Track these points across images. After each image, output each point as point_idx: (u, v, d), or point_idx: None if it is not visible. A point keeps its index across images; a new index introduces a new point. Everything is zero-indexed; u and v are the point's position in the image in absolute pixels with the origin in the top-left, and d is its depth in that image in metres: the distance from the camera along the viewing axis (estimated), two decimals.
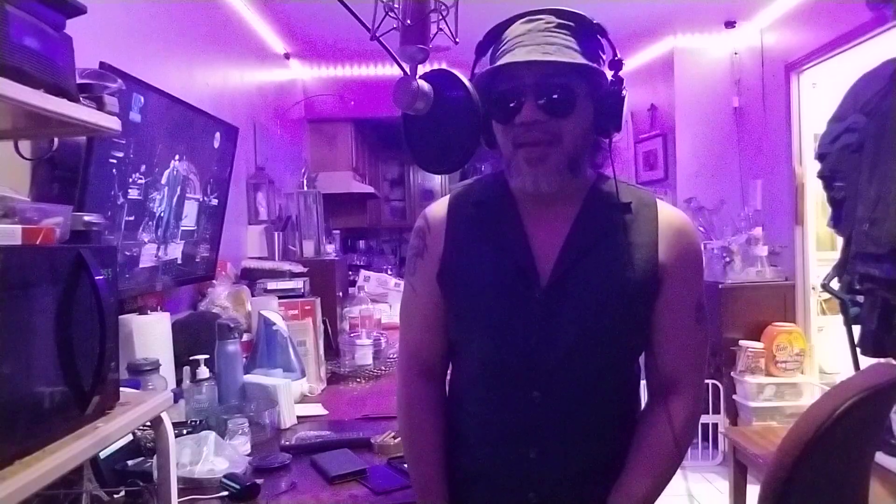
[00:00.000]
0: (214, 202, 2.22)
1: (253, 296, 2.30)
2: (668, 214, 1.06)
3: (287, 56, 4.10)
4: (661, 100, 4.36)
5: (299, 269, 2.64)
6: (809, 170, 3.40)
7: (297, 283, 2.46)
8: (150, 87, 1.66)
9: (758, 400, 3.35)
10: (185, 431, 1.47)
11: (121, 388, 1.01)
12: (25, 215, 0.93)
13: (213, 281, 2.29)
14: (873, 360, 2.30)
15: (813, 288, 3.47)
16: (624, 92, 1.01)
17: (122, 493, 1.22)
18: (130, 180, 1.62)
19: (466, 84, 0.92)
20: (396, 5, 0.88)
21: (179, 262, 1.99)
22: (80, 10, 0.98)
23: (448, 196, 1.15)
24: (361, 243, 6.40)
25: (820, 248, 3.58)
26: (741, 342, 3.45)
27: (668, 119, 4.27)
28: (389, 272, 4.16)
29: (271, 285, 2.40)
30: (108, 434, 0.91)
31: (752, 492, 2.13)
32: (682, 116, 4.17)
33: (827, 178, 2.74)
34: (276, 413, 1.73)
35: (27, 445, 0.78)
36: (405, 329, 1.17)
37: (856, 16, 2.84)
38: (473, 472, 1.08)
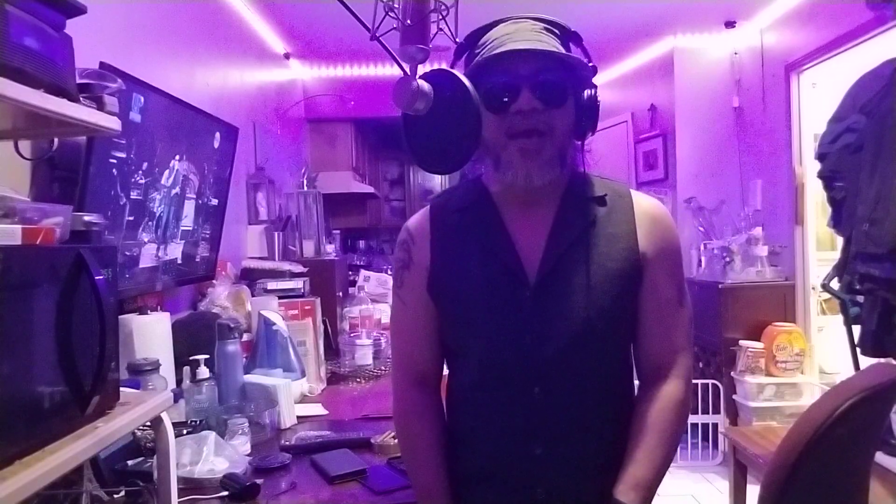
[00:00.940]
0: (214, 202, 2.22)
1: (253, 296, 2.30)
2: (643, 203, 1.10)
3: (287, 56, 4.10)
4: (661, 100, 4.36)
5: (299, 269, 2.64)
6: (809, 170, 3.39)
7: (297, 283, 2.46)
8: (150, 87, 1.66)
9: (758, 400, 3.35)
10: (185, 431, 1.47)
11: (121, 388, 1.01)
12: (25, 215, 0.93)
13: (213, 281, 2.29)
14: (873, 360, 2.30)
15: (813, 288, 3.47)
16: (599, 97, 1.05)
17: (122, 493, 1.23)
18: (131, 180, 1.62)
19: (467, 84, 0.92)
20: (396, 5, 0.88)
21: (179, 262, 1.99)
22: (80, 10, 0.98)
23: (427, 207, 1.17)
24: (361, 243, 6.40)
25: (820, 248, 3.58)
26: (741, 342, 3.45)
27: (668, 119, 4.27)
28: (389, 272, 4.15)
29: (271, 285, 2.40)
30: (108, 434, 0.91)
31: (752, 492, 2.13)
32: (682, 116, 4.17)
33: (827, 178, 2.74)
34: (276, 413, 1.73)
35: (27, 445, 0.78)
36: (397, 340, 1.19)
37: (856, 16, 2.84)
38: (480, 473, 1.08)
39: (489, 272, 1.05)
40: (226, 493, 1.29)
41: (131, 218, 1.65)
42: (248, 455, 1.49)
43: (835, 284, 2.72)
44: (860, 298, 2.58)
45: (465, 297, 1.07)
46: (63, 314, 0.85)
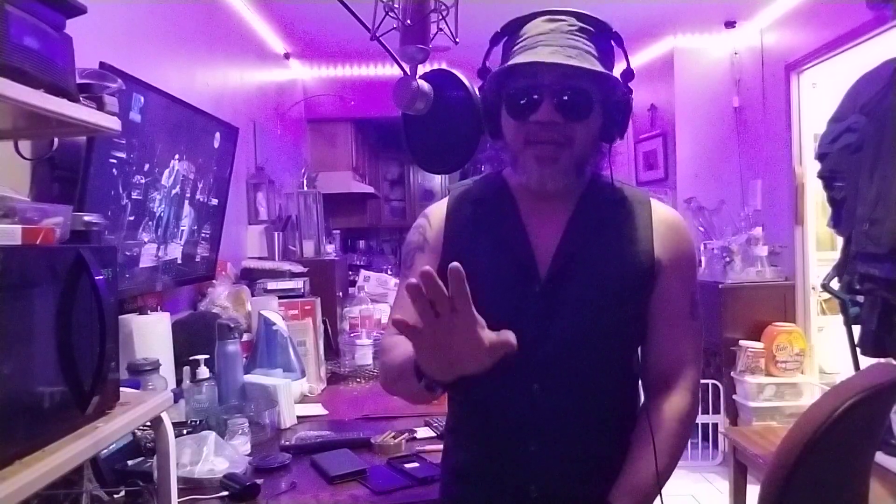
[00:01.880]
0: (214, 202, 2.22)
1: (253, 296, 2.30)
2: (662, 211, 1.09)
3: (287, 56, 4.10)
4: (661, 100, 4.36)
5: (299, 269, 2.64)
6: (809, 170, 3.39)
7: (297, 283, 2.46)
8: (150, 87, 1.66)
9: (758, 400, 3.35)
10: (185, 431, 1.48)
11: (121, 388, 1.01)
12: (25, 215, 0.93)
13: (213, 281, 2.29)
14: (873, 360, 2.30)
15: (813, 288, 3.47)
16: (632, 101, 1.03)
17: (122, 493, 1.23)
18: (131, 180, 1.62)
19: (466, 84, 0.92)
20: (396, 5, 0.88)
21: (179, 262, 1.99)
22: (80, 10, 0.98)
23: (448, 196, 1.16)
24: (361, 243, 6.40)
25: (820, 248, 3.58)
26: (741, 342, 3.45)
27: (668, 119, 4.27)
28: (389, 272, 4.16)
29: (271, 285, 2.40)
30: (108, 434, 0.91)
31: (752, 492, 2.13)
32: (682, 116, 4.17)
33: (827, 178, 2.74)
34: (276, 413, 1.73)
35: (27, 445, 0.78)
36: (394, 313, 1.12)
37: (856, 16, 2.84)
38: (474, 467, 1.08)
39: (500, 264, 1.05)
40: (226, 493, 1.29)
41: (131, 218, 1.65)
42: (248, 455, 1.49)
43: (835, 284, 2.72)
44: (860, 298, 2.58)
45: (473, 286, 1.06)
46: (63, 314, 0.85)
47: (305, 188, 3.16)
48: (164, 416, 1.10)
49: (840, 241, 2.72)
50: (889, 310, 2.36)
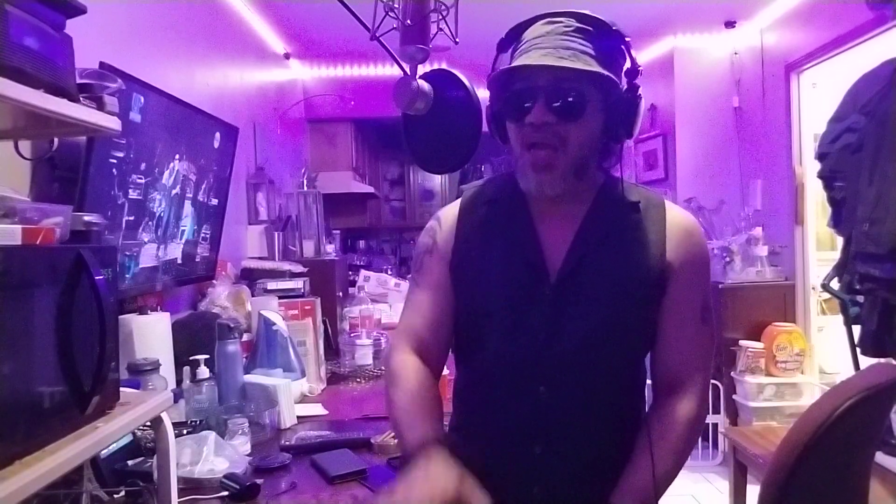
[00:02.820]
0: (214, 202, 2.22)
1: (253, 296, 2.30)
2: (677, 215, 1.08)
3: (287, 56, 4.10)
4: (661, 100, 4.36)
5: (299, 269, 2.64)
6: (809, 170, 3.39)
7: (297, 283, 2.46)
8: (150, 87, 1.66)
9: (758, 400, 3.35)
10: (185, 431, 1.47)
11: (121, 388, 1.01)
12: (25, 215, 0.93)
13: (213, 281, 2.29)
14: (873, 360, 2.30)
15: (813, 288, 3.47)
16: (640, 99, 1.01)
17: (122, 493, 1.23)
18: (130, 180, 1.62)
19: (466, 84, 0.93)
20: (396, 5, 0.88)
21: (179, 261, 1.99)
22: (80, 10, 0.98)
23: (460, 198, 1.16)
24: (361, 243, 6.40)
25: (820, 248, 3.58)
26: (741, 342, 3.45)
27: (668, 119, 4.27)
28: (389, 272, 4.16)
29: (271, 285, 2.40)
30: (108, 434, 0.91)
31: (752, 492, 2.13)
32: (682, 116, 4.17)
33: (827, 178, 2.74)
34: (276, 413, 1.73)
35: (27, 445, 0.78)
36: (404, 314, 1.16)
37: (856, 16, 2.84)
38: (479, 467, 1.08)
39: (511, 265, 1.05)
40: (226, 493, 1.29)
41: (131, 218, 1.65)
42: (248, 455, 1.49)
43: (835, 284, 2.72)
44: (860, 298, 2.58)
45: (484, 288, 1.06)
46: (63, 314, 0.85)
47: (305, 188, 3.16)
48: (164, 416, 1.10)
49: (840, 241, 2.72)
50: (889, 310, 2.36)
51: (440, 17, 0.90)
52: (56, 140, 1.16)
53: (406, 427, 1.02)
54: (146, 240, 1.75)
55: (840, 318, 2.79)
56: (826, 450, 1.33)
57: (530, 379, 1.02)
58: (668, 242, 1.04)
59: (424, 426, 1.00)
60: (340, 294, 2.93)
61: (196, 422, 1.56)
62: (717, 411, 3.52)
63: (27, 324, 0.79)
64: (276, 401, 1.74)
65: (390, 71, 4.22)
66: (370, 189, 5.30)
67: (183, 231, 1.99)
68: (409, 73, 0.92)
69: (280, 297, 2.30)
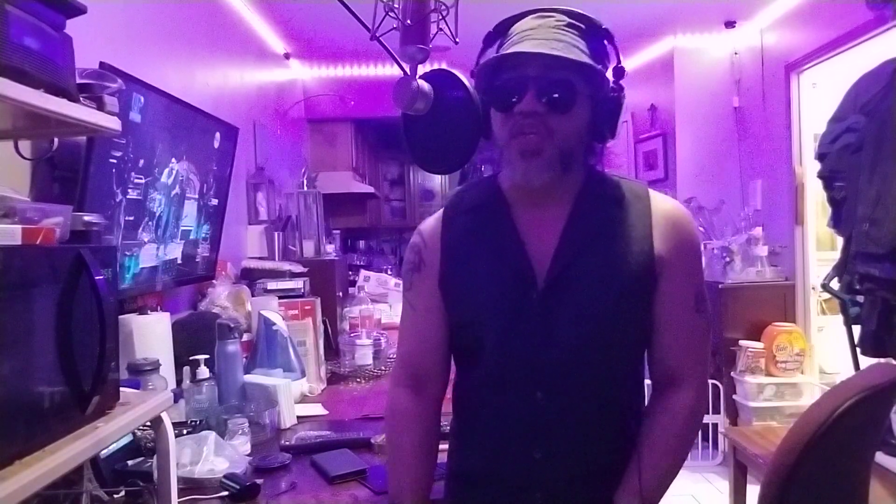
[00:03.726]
0: (214, 202, 2.22)
1: (253, 296, 2.30)
2: (662, 205, 1.06)
3: (287, 56, 4.10)
4: (661, 100, 4.36)
5: (299, 269, 2.64)
6: (809, 170, 3.39)
7: (297, 283, 2.46)
8: (150, 87, 1.66)
9: (758, 400, 3.35)
10: (185, 431, 1.47)
11: (121, 388, 1.01)
12: (25, 215, 0.93)
13: (213, 281, 2.29)
14: (873, 360, 2.30)
15: (813, 288, 3.47)
16: (623, 99, 1.01)
17: (122, 493, 1.22)
18: (130, 180, 1.62)
19: (466, 84, 0.92)
20: (396, 5, 0.88)
21: (179, 261, 1.99)
22: (80, 10, 0.98)
23: (441, 209, 1.16)
24: (361, 243, 6.40)
25: (820, 248, 3.58)
26: (741, 342, 3.45)
27: (668, 119, 4.27)
28: (389, 272, 4.16)
29: (271, 285, 2.40)
30: (108, 434, 0.91)
31: (752, 492, 2.13)
32: (682, 116, 4.17)
33: (827, 178, 2.74)
34: (276, 413, 1.73)
35: (27, 445, 0.78)
36: (401, 340, 1.18)
37: (856, 16, 2.84)
38: (480, 474, 1.08)
39: (498, 274, 1.04)
40: (226, 493, 1.29)
41: (131, 218, 1.65)
42: (248, 455, 1.49)
43: (835, 284, 2.72)
44: (860, 298, 2.58)
45: (474, 299, 1.05)
46: (63, 314, 0.85)
47: (305, 188, 3.16)
48: (164, 416, 1.10)
49: (840, 241, 2.72)
50: (889, 310, 2.36)
51: (440, 17, 0.90)
52: (56, 140, 1.16)
53: (392, 479, 1.12)
54: (146, 240, 1.75)
55: (840, 318, 2.79)
56: (826, 450, 1.33)
57: (526, 385, 1.01)
58: (655, 234, 1.02)
59: (402, 486, 1.09)
60: (340, 294, 2.93)
61: (196, 422, 1.56)
62: (717, 411, 3.52)
63: (27, 324, 0.79)
64: (276, 401, 1.74)
65: (390, 71, 4.22)
66: (370, 189, 5.30)
67: (183, 231, 1.99)
68: (409, 73, 0.92)
69: (280, 297, 2.29)
